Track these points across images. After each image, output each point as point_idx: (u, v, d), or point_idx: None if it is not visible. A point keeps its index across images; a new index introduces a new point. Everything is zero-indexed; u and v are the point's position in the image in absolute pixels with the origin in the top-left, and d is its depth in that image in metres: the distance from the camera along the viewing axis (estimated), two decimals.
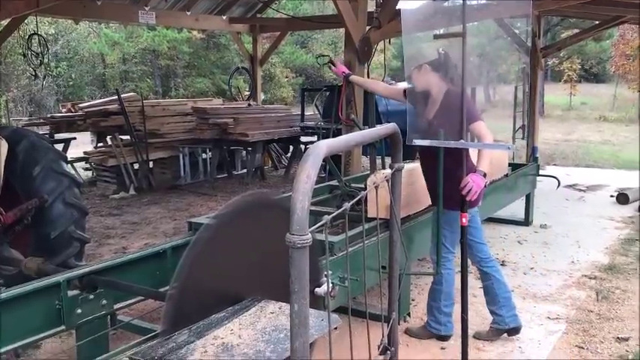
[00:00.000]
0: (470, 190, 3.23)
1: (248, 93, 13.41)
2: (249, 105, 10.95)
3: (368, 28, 5.95)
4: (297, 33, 29.90)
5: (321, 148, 1.83)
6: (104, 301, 3.23)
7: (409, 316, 4.25)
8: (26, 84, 22.80)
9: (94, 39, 26.09)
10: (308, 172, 1.71)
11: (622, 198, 8.05)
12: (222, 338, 2.18)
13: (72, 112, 10.34)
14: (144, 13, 10.21)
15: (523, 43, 9.54)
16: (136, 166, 9.60)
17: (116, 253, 6.12)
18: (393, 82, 10.74)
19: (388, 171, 3.92)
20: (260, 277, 2.48)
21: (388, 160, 4.16)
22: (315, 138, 10.81)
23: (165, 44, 25.02)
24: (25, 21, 11.79)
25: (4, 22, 10.20)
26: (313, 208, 4.34)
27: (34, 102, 23.92)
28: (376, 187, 3.71)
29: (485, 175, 3.36)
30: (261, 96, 13.61)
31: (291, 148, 11.82)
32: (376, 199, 3.74)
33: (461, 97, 3.13)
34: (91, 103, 11.16)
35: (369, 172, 6.03)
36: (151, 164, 9.90)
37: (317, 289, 2.72)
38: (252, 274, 2.50)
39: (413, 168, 3.98)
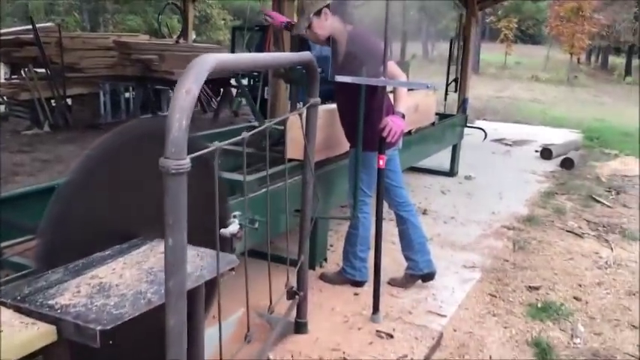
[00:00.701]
0: (390, 131, 3.07)
1: (179, 32, 12.79)
2: (177, 42, 10.40)
3: None
4: None
5: (207, 61, 1.60)
6: None
7: (325, 261, 4.14)
8: None
9: None
10: (188, 87, 1.48)
11: (546, 153, 8.20)
12: (102, 278, 1.95)
13: None
14: None
15: None
16: (53, 102, 9.00)
17: None
18: None
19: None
20: (156, 214, 2.25)
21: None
22: (245, 82, 10.44)
23: None
24: None
25: None
26: (231, 147, 4.09)
27: None
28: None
29: (403, 117, 3.20)
30: (193, 35, 13.02)
31: (221, 91, 11.40)
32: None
33: (385, 37, 2.92)
34: (3, 31, 10.29)
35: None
36: (69, 101, 9.30)
37: (222, 230, 2.52)
38: (145, 211, 2.26)
39: (333, 108, 3.80)
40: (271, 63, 2.22)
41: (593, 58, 38.68)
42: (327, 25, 3.28)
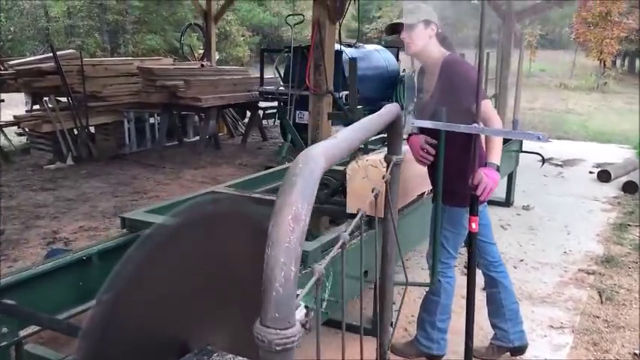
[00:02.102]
0: (485, 188, 2.54)
1: (202, 52, 12.39)
2: (202, 66, 9.99)
3: None
4: None
5: (315, 161, 1.07)
6: (4, 329, 2.45)
7: (391, 325, 3.59)
8: None
9: None
10: (295, 211, 0.95)
11: (604, 175, 7.57)
12: None
13: (1, 70, 9.18)
14: None
15: (498, 7, 8.88)
16: (75, 132, 8.60)
17: (44, 238, 5.26)
18: (363, 45, 9.96)
19: (374, 157, 3.21)
20: (216, 318, 1.73)
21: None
22: (274, 104, 9.98)
23: None
24: None
25: None
26: (271, 197, 3.58)
27: None
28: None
29: (498, 169, 2.68)
30: (216, 55, 12.62)
31: (249, 114, 10.97)
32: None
33: (478, 70, 2.42)
34: (23, 60, 9.95)
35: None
36: (91, 130, 8.91)
37: None
38: (205, 313, 1.74)
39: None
40: (368, 133, 1.71)
41: (618, 63, 37.70)
42: (425, 39, 2.81)
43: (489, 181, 2.55)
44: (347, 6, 5.11)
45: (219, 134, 10.12)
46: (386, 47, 10.33)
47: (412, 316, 3.58)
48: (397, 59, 10.26)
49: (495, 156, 2.69)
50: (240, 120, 11.53)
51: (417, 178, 3.44)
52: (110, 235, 5.40)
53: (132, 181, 7.37)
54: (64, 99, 8.59)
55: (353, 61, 3.14)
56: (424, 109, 2.84)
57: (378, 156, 3.11)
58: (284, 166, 4.46)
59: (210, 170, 8.05)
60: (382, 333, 2.51)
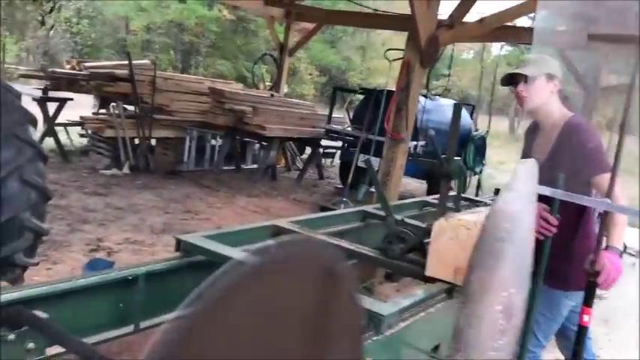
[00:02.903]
0: (608, 277, 2.14)
1: (269, 83, 12.37)
2: (272, 96, 9.87)
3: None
4: (326, 31, 28.86)
5: (524, 224, 0.74)
6: (30, 345, 2.16)
7: None
8: (43, 35, 21.80)
9: (121, 2, 25.12)
10: (507, 301, 0.63)
11: None
12: None
13: (76, 71, 9.27)
14: None
15: None
16: (137, 142, 8.53)
17: (88, 244, 5.05)
18: (437, 97, 9.66)
19: (469, 217, 2.84)
20: None
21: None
22: (339, 144, 9.74)
23: (193, 19, 23.98)
24: None
25: None
26: (338, 242, 3.24)
27: (48, 55, 22.89)
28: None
29: (621, 254, 2.28)
30: (285, 88, 12.55)
31: (308, 149, 10.77)
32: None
33: (620, 134, 2.04)
34: (99, 64, 10.07)
35: (414, 200, 4.96)
36: (152, 142, 8.84)
37: None
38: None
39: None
40: None
41: None
42: (545, 95, 2.47)
43: (613, 268, 2.15)
44: (440, 54, 4.83)
45: (277, 165, 9.92)
46: (460, 103, 9.99)
47: None
48: (471, 117, 9.91)
49: (619, 239, 2.30)
50: (298, 154, 11.34)
51: None
52: (155, 251, 5.16)
53: (185, 199, 7.17)
54: (130, 107, 8.56)
55: (457, 106, 2.78)
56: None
57: (473, 216, 2.73)
58: (352, 210, 4.10)
59: (264, 200, 7.80)
60: None
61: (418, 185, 10.26)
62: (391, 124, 4.83)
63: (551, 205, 2.32)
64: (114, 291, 2.55)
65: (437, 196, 5.49)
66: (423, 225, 3.82)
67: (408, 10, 4.85)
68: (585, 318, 2.13)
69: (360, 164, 8.31)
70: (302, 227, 3.39)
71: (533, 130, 2.71)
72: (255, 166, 9.80)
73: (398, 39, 36.14)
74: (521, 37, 6.74)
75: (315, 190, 9.38)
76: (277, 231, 3.35)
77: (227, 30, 26.48)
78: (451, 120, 2.73)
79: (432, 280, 2.78)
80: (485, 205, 3.18)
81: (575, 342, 2.19)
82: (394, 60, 4.27)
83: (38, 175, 3.42)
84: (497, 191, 6.54)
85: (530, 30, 6.88)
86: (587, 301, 2.13)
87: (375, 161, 8.45)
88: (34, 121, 3.58)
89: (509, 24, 5.82)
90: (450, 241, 2.70)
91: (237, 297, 1.19)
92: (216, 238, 2.96)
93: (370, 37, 34.63)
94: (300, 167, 10.57)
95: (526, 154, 2.67)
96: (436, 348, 2.73)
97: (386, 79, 34.56)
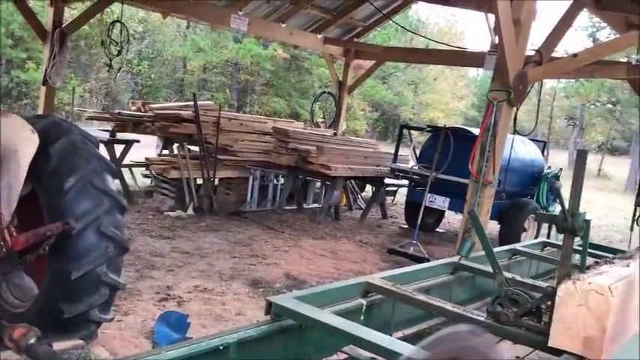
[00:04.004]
0: None
1: (322, 120, 12.25)
2: (335, 134, 9.70)
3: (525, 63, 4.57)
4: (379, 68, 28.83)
5: None
6: None
7: None
8: (105, 77, 22.50)
9: (179, 42, 25.80)
10: None
11: None
12: None
13: (141, 112, 9.35)
14: (236, 18, 9.16)
15: None
16: (199, 182, 8.47)
17: (158, 293, 4.89)
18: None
19: (601, 279, 2.50)
20: None
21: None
22: (405, 182, 9.44)
23: (248, 58, 24.36)
24: (111, 9, 11.08)
25: (87, 4, 9.45)
26: (428, 299, 2.95)
27: (109, 96, 23.60)
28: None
29: None
30: (343, 126, 12.40)
31: (369, 187, 10.51)
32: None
33: None
34: (164, 105, 10.16)
35: (503, 248, 4.60)
36: (216, 182, 8.77)
37: None
38: None
39: (626, 277, 2.54)
40: None
41: None
42: None
43: None
44: (528, 91, 4.52)
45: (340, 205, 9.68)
46: (532, 140, 9.60)
47: None
48: (543, 154, 9.47)
49: None
50: (359, 193, 11.09)
51: (635, 313, 2.68)
52: (225, 300, 4.95)
53: (250, 242, 6.98)
54: (194, 147, 8.54)
55: (581, 153, 2.47)
56: None
57: (604, 279, 2.40)
58: (442, 261, 3.80)
59: (329, 243, 7.54)
60: None
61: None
62: (475, 166, 4.52)
63: None
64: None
65: (526, 243, 5.12)
66: (524, 279, 3.48)
67: (457, 43, 4.61)
68: None
69: (429, 204, 7.99)
70: (394, 285, 3.12)
71: None
72: (316, 205, 9.59)
73: (450, 73, 35.87)
74: (617, 72, 6.36)
75: (380, 230, 9.08)
76: (369, 288, 3.10)
77: (281, 68, 26.79)
78: (574, 167, 2.42)
79: (556, 351, 2.46)
80: (607, 262, 2.83)
81: None
82: (501, 102, 3.95)
83: (116, 227, 3.27)
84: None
85: (627, 64, 6.53)
86: None
87: (443, 201, 8.13)
88: (112, 171, 3.46)
89: (604, 59, 5.49)
90: (578, 307, 2.38)
91: None
92: (308, 298, 2.72)
93: (422, 72, 34.46)
94: (362, 206, 10.31)
95: None
96: None
97: (439, 113, 34.14)
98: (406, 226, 9.16)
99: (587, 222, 2.53)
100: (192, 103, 8.54)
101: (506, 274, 3.44)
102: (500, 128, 4.37)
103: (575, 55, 4.62)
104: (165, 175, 8.30)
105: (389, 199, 11.60)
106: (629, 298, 2.51)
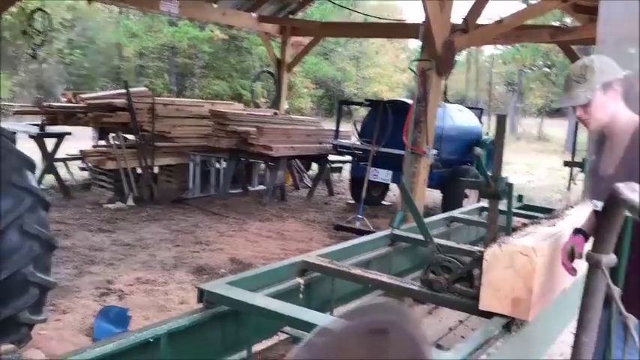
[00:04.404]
0: None
1: (266, 100, 12.12)
2: (275, 114, 9.60)
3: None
4: (319, 43, 28.68)
5: None
6: None
7: None
8: (36, 68, 21.60)
9: (112, 29, 24.98)
10: None
11: None
12: None
13: (72, 103, 9.01)
14: (166, 1, 8.89)
15: None
16: (139, 172, 8.25)
17: (98, 288, 4.75)
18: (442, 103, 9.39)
19: (526, 241, 2.54)
20: None
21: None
22: (349, 158, 9.46)
23: (185, 41, 23.79)
24: None
25: None
26: (365, 273, 2.95)
27: (42, 88, 22.69)
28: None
29: None
30: (285, 105, 12.31)
31: (314, 165, 10.49)
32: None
33: None
34: (95, 94, 9.82)
35: (441, 216, 4.66)
36: (155, 171, 8.57)
37: None
38: None
39: (552, 236, 2.60)
40: None
41: None
42: (610, 107, 2.17)
43: None
44: (454, 61, 4.56)
45: (285, 185, 9.63)
46: (469, 108, 9.75)
47: None
48: (480, 121, 9.64)
49: None
50: (304, 171, 11.06)
51: (563, 269, 2.76)
52: (168, 290, 4.86)
53: (193, 229, 6.87)
54: (131, 136, 8.30)
55: (502, 118, 2.50)
56: (604, 186, 2.18)
57: (529, 240, 2.44)
58: (380, 234, 3.82)
59: (276, 224, 7.50)
60: None
61: (427, 194, 9.95)
62: (410, 138, 4.54)
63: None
64: (133, 357, 2.26)
65: (463, 209, 5.21)
66: (459, 246, 3.53)
67: (396, 17, 4.62)
68: None
69: (372, 178, 8.04)
70: (331, 261, 3.12)
71: (600, 140, 2.41)
72: (262, 187, 9.51)
73: (391, 46, 36.00)
74: (542, 36, 6.46)
75: (327, 207, 9.09)
76: (305, 267, 3.09)
77: (220, 49, 26.28)
78: (495, 133, 2.44)
79: (487, 314, 2.51)
80: (534, 223, 2.89)
81: None
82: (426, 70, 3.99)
83: (40, 225, 3.13)
84: (520, 198, 6.25)
85: (550, 28, 6.64)
86: None
87: (386, 174, 8.18)
88: (31, 165, 3.29)
89: (528, 23, 5.55)
90: (505, 270, 2.42)
91: None
92: (242, 283, 2.69)
93: (363, 46, 34.48)
94: (308, 184, 10.30)
95: (594, 170, 2.38)
96: None
97: (383, 86, 34.28)
98: (352, 202, 9.20)
99: (510, 186, 2.57)
100: (124, 91, 8.26)
101: (442, 242, 3.50)
102: (431, 98, 4.39)
103: (500, 21, 4.67)
104: (102, 166, 8.06)
105: (335, 175, 11.62)
106: (555, 256, 2.56)
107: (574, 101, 2.21)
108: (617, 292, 1.37)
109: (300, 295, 3.00)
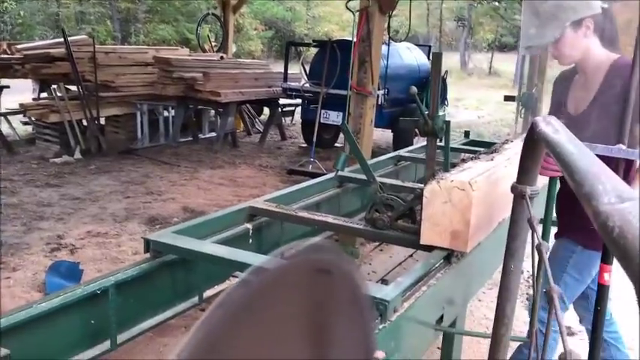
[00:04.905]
0: None
1: (215, 44, 11.83)
2: (222, 58, 9.40)
3: None
4: None
5: None
6: None
7: None
8: None
9: None
10: None
11: None
12: None
13: (8, 55, 8.62)
14: None
15: None
16: (85, 124, 8.04)
17: (48, 244, 4.70)
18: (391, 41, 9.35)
19: (462, 177, 2.62)
20: None
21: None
22: (298, 101, 9.42)
23: None
24: None
25: None
26: (322, 218, 2.99)
27: None
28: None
29: None
30: (233, 48, 12.06)
31: (266, 110, 10.41)
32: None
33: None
34: (32, 44, 9.40)
35: (388, 156, 4.72)
36: (101, 122, 8.36)
37: None
38: None
39: (489, 170, 2.68)
40: None
41: None
42: (582, 44, 2.17)
43: None
44: None
45: (236, 131, 9.55)
46: (417, 45, 9.75)
47: None
48: (428, 58, 9.67)
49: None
50: (256, 117, 10.98)
51: (500, 202, 2.86)
52: (121, 242, 4.85)
53: (144, 179, 6.80)
54: (73, 87, 8.04)
55: (437, 56, 2.52)
56: (574, 124, 2.19)
57: (465, 175, 2.51)
58: (327, 176, 3.84)
59: (228, 171, 7.48)
60: None
61: (381, 135, 10.05)
62: (355, 78, 4.54)
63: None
64: (82, 309, 2.27)
65: (411, 148, 5.29)
66: (403, 184, 3.61)
67: None
68: (606, 277, 1.96)
69: (323, 121, 8.05)
70: (278, 205, 3.14)
71: (567, 78, 2.39)
72: (213, 134, 9.41)
73: None
74: None
75: (280, 152, 9.09)
76: (253, 212, 3.11)
77: None
78: (431, 72, 2.47)
79: (428, 248, 2.59)
80: (473, 158, 2.97)
81: (596, 303, 2.02)
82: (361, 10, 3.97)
83: None
84: (466, 133, 6.38)
85: None
86: (607, 258, 1.95)
87: (337, 115, 8.20)
88: None
89: None
90: (444, 205, 2.49)
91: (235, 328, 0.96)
92: (188, 231, 2.69)
93: None
94: (261, 130, 10.24)
95: (557, 107, 2.40)
96: (441, 319, 2.56)
97: (334, 26, 33.75)
98: (305, 145, 9.21)
99: (447, 123, 2.62)
100: (62, 39, 7.93)
101: (387, 180, 3.56)
102: (375, 37, 4.38)
103: None
104: (45, 120, 7.82)
105: (287, 119, 11.58)
106: (492, 189, 2.65)
107: (541, 40, 2.23)
108: (536, 220, 1.45)
109: (250, 241, 3.02)
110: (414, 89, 2.53)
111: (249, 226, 3.05)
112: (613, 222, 0.56)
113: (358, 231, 2.88)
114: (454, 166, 2.90)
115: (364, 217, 2.89)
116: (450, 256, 2.51)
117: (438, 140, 2.70)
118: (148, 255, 2.56)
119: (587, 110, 2.20)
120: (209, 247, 2.54)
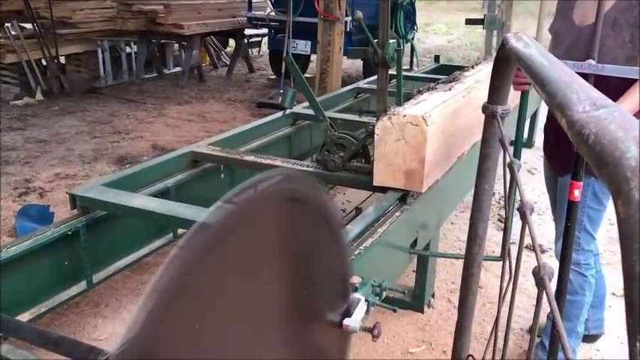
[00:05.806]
0: None
1: None
2: None
3: None
4: None
5: None
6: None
7: (433, 297, 3.11)
8: None
9: None
10: None
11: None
12: None
13: None
14: None
15: None
16: (44, 63, 7.74)
17: (16, 188, 4.60)
18: None
19: (414, 111, 2.54)
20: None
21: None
22: (265, 31, 9.17)
23: None
24: None
25: None
26: (270, 161, 2.81)
27: None
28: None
29: None
30: None
31: (233, 42, 10.13)
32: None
33: None
34: None
35: (347, 89, 4.62)
36: (62, 61, 8.06)
37: (347, 322, 1.44)
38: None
39: (445, 102, 2.63)
40: None
41: None
42: None
43: None
44: None
45: (202, 64, 9.31)
46: None
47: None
48: None
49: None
50: (222, 49, 10.70)
51: (459, 135, 2.80)
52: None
53: (111, 118, 6.64)
54: (29, 25, 7.68)
55: None
56: (582, 37, 2.11)
57: (419, 109, 2.43)
58: (279, 115, 3.64)
59: (196, 106, 7.34)
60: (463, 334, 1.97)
61: (351, 64, 9.90)
62: (322, 4, 4.41)
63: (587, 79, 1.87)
64: (55, 251, 2.25)
65: (372, 79, 5.20)
66: (360, 119, 3.46)
67: None
68: (576, 193, 1.99)
69: (291, 51, 7.86)
70: (223, 149, 2.96)
71: None
72: (178, 69, 9.17)
73: None
74: None
75: (248, 85, 8.93)
76: (195, 158, 2.93)
77: None
78: None
79: (382, 189, 2.49)
80: (430, 89, 2.91)
81: (566, 219, 2.06)
82: None
83: None
84: (436, 58, 6.30)
85: None
86: (576, 175, 1.98)
87: (305, 45, 8.01)
88: None
89: None
90: (397, 142, 2.36)
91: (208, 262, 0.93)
92: (121, 183, 2.51)
93: None
94: (227, 63, 10.00)
95: (562, 13, 2.28)
96: (413, 248, 2.60)
97: None
98: (274, 77, 9.04)
99: (398, 52, 2.51)
100: None
101: (342, 116, 3.46)
102: None
103: None
104: (2, 60, 7.49)
105: (254, 50, 11.32)
106: (449, 122, 2.59)
107: None
108: (507, 139, 1.44)
109: (189, 190, 2.83)
110: (359, 14, 2.43)
111: (191, 173, 2.87)
112: (588, 129, 0.54)
113: (308, 174, 2.81)
114: (409, 98, 2.76)
115: (315, 158, 2.78)
116: (405, 197, 2.42)
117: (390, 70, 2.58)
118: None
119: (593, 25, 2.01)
120: (140, 200, 2.36)
